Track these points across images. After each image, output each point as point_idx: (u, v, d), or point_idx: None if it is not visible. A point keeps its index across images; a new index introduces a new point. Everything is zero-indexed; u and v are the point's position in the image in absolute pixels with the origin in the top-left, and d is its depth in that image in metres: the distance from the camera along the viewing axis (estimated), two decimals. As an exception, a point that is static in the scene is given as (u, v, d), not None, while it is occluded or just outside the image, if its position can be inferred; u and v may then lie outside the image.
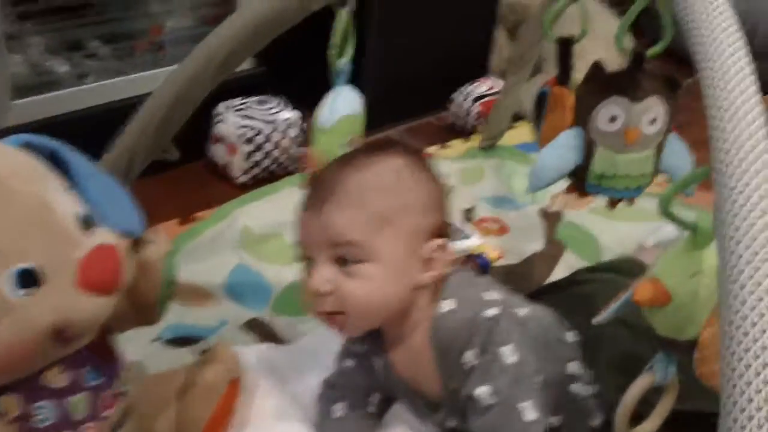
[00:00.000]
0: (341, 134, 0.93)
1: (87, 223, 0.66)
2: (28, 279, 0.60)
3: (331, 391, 0.85)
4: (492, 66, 2.00)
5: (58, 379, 0.66)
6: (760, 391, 0.45)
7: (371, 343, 0.80)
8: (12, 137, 0.71)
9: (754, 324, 0.47)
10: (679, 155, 0.92)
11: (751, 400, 0.45)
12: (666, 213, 0.65)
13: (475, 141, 1.68)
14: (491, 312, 0.73)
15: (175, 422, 0.80)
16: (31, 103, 1.27)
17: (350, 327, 0.75)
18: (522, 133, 1.71)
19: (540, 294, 0.94)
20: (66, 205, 0.65)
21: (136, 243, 0.73)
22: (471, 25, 1.88)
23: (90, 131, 1.24)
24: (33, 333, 0.60)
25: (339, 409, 0.83)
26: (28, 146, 0.69)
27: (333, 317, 0.73)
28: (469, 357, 0.73)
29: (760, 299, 0.47)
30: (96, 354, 0.69)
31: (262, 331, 1.03)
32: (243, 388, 0.86)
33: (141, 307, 0.74)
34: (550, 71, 1.21)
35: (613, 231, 1.31)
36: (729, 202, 0.51)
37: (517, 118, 1.71)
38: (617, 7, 1.91)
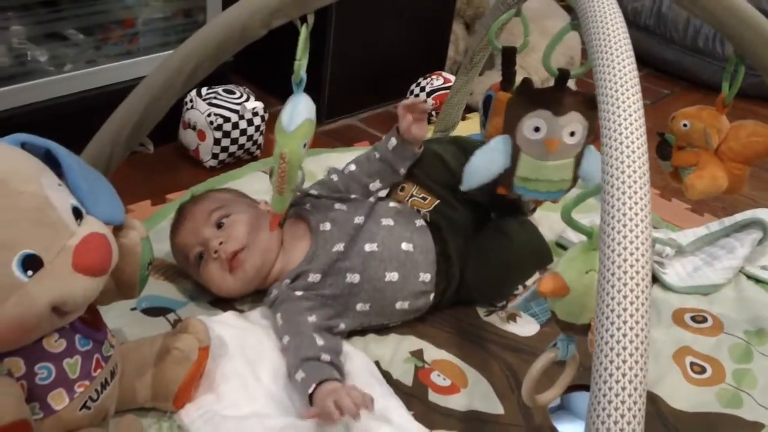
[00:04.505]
0: (302, 136, 1.04)
1: (78, 213, 0.77)
2: (32, 263, 0.71)
3: None
4: (449, 57, 2.11)
5: (55, 344, 0.78)
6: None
7: None
8: (9, 137, 0.81)
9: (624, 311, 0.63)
10: (594, 164, 1.04)
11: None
12: (567, 220, 0.79)
13: (429, 133, 1.80)
14: None
15: (152, 383, 0.92)
16: (13, 91, 1.36)
17: None
18: (474, 125, 1.82)
19: None
20: (61, 198, 0.76)
21: (117, 229, 0.85)
22: (430, 18, 1.99)
23: (67, 118, 1.34)
24: (35, 308, 0.72)
25: None
26: (24, 145, 0.80)
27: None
28: None
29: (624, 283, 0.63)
30: (86, 324, 0.81)
31: (226, 307, 1.15)
32: (211, 355, 0.98)
33: (123, 284, 0.86)
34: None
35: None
36: (610, 214, 0.66)
37: (470, 110, 1.84)
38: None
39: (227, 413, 0.94)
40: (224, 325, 1.08)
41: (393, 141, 1.21)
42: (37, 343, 0.77)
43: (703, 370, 1.14)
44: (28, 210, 0.72)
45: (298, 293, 1.09)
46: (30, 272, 0.71)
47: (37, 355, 0.77)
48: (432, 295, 1.16)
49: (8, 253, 0.70)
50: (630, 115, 0.70)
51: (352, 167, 1.23)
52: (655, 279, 1.31)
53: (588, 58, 0.76)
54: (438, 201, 1.20)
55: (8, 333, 0.71)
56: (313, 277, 1.10)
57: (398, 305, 1.13)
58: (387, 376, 1.06)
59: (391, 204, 1.21)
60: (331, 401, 0.88)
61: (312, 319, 1.05)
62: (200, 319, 0.98)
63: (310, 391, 0.93)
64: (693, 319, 1.24)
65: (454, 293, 1.19)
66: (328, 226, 1.14)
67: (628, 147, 0.69)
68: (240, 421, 0.93)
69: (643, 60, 2.28)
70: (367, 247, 1.12)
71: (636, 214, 0.66)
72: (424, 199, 1.21)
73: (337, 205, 1.19)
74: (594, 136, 1.04)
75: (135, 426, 0.80)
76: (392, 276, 1.11)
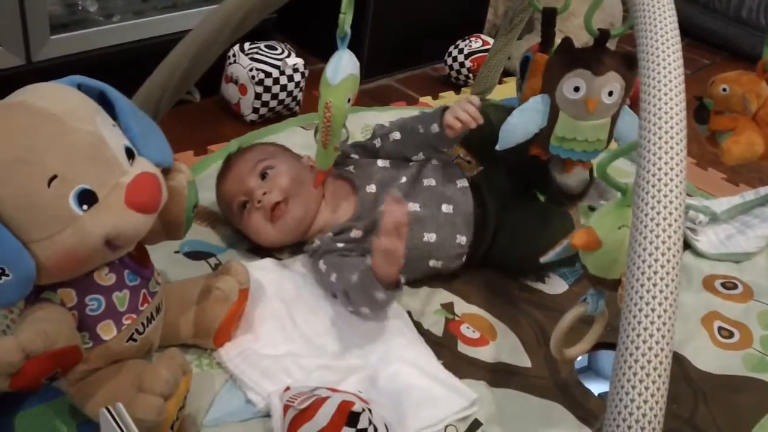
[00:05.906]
0: (346, 90, 1.06)
1: (130, 153, 0.81)
2: (87, 198, 0.75)
3: None
4: (488, 20, 2.11)
5: (105, 278, 0.82)
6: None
7: None
8: (66, 78, 0.84)
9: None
10: (629, 124, 1.05)
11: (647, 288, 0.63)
12: (602, 176, 0.80)
13: (465, 94, 1.81)
14: None
15: (194, 321, 0.97)
16: (65, 39, 1.39)
17: None
18: (510, 89, 1.83)
19: None
20: (114, 138, 0.80)
21: (166, 172, 0.88)
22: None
23: (114, 67, 1.38)
24: (90, 240, 0.75)
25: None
26: (80, 86, 0.83)
27: None
28: None
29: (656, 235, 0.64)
30: (134, 260, 0.85)
31: (265, 254, 1.19)
32: (250, 297, 1.02)
33: (170, 225, 0.90)
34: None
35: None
36: (646, 168, 0.67)
37: (508, 74, 1.85)
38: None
39: (264, 352, 0.98)
40: (263, 270, 1.12)
41: (435, 127, 1.16)
42: (89, 275, 0.81)
43: (730, 335, 1.15)
44: (84, 147, 0.76)
45: (340, 245, 1.12)
46: (85, 206, 0.75)
47: (89, 287, 0.81)
48: (465, 257, 1.18)
49: (66, 186, 0.74)
50: (670, 72, 0.70)
51: (397, 135, 1.21)
52: (687, 245, 1.32)
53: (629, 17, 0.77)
54: (482, 167, 1.21)
55: (63, 262, 0.75)
56: (356, 233, 1.13)
57: (431, 263, 1.15)
58: (418, 326, 1.09)
59: (435, 161, 1.21)
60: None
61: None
62: (241, 263, 1.02)
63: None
64: (723, 285, 1.25)
65: (483, 256, 1.21)
66: (373, 188, 1.16)
67: (666, 104, 0.69)
68: (276, 359, 0.97)
69: (683, 29, 2.24)
70: (409, 207, 1.13)
71: (671, 169, 0.67)
72: (469, 162, 1.23)
73: (380, 163, 1.20)
74: (629, 96, 1.05)
75: (178, 357, 0.84)
76: (430, 237, 1.13)
